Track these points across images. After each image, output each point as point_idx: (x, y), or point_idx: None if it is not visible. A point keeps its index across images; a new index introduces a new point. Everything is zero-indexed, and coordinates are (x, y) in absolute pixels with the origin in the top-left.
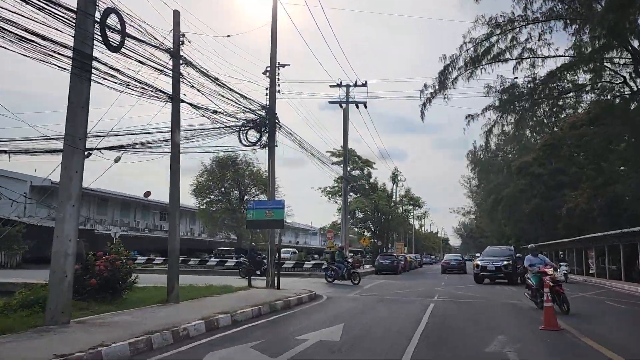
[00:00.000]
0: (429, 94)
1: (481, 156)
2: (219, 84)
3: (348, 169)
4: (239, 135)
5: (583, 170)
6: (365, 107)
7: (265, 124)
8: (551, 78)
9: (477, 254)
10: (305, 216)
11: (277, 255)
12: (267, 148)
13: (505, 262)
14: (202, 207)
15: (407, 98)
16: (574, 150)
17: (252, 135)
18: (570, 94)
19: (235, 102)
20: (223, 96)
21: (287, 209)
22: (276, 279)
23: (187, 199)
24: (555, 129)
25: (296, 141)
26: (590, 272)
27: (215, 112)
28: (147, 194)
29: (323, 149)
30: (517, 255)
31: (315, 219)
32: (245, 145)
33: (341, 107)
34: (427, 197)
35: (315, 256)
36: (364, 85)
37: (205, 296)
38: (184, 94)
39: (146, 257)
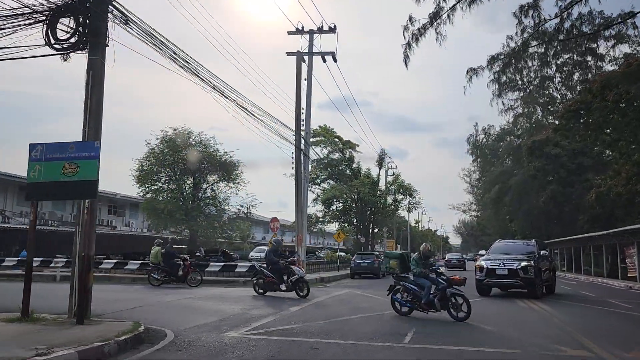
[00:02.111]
0: (416, 30)
1: (484, 140)
2: None
3: (326, 151)
4: (46, 30)
5: (617, 144)
6: (335, 60)
7: (88, 7)
8: None
9: (482, 251)
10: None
11: (86, 259)
12: (87, 49)
13: (524, 263)
14: (147, 196)
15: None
16: (610, 117)
17: (68, 29)
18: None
19: None
20: None
21: (252, 199)
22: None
23: (131, 188)
24: (569, 99)
25: (165, 51)
26: (629, 275)
27: None
28: None
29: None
30: (542, 252)
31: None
32: (56, 49)
33: (303, 61)
34: (428, 196)
35: (307, 255)
36: (332, 30)
37: None
38: None
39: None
